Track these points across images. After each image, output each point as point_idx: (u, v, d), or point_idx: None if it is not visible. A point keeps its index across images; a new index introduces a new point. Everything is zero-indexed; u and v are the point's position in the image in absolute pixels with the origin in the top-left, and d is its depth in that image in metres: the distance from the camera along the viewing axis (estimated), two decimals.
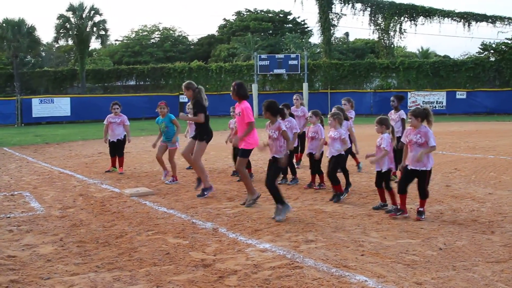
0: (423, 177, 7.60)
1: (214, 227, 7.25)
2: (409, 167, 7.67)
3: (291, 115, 11.16)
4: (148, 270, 5.53)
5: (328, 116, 9.42)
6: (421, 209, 7.64)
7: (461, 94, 37.16)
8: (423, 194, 7.62)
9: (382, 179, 8.16)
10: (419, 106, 7.97)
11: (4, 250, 6.33)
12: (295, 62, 38.44)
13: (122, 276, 5.36)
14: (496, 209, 8.15)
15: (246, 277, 5.27)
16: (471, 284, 4.99)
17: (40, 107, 33.81)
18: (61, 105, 34.64)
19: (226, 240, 6.62)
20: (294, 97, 12.73)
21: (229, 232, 7.02)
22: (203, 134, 9.66)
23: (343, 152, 9.20)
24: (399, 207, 7.78)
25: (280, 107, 8.35)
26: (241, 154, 8.76)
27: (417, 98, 37.33)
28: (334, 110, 9.69)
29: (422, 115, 7.63)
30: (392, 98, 11.39)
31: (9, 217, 8.08)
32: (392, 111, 11.28)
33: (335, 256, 5.89)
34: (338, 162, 9.20)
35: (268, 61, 38.68)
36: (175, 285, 5.08)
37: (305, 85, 37.81)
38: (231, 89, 9.14)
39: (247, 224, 7.43)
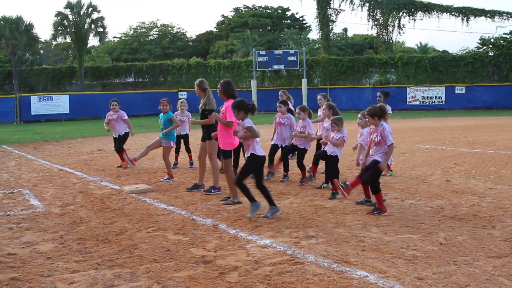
0: (377, 172, 7.61)
1: (214, 223, 7.24)
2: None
3: (290, 111, 11.10)
4: (148, 267, 5.51)
5: (330, 120, 9.37)
6: (376, 205, 7.64)
7: (460, 89, 37.14)
8: (373, 188, 7.62)
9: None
10: (374, 105, 7.93)
11: (4, 247, 6.31)
12: (293, 58, 38.39)
13: (122, 273, 5.35)
14: (497, 204, 8.14)
15: (247, 273, 5.26)
16: (473, 279, 4.98)
17: (39, 105, 33.75)
18: (60, 103, 34.60)
19: (227, 237, 6.60)
20: (280, 93, 12.58)
21: (230, 228, 7.01)
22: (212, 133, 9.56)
23: (337, 154, 9.11)
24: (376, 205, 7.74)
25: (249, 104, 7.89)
26: (223, 156, 8.72)
27: (416, 93, 37.34)
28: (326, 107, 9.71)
29: (378, 114, 7.63)
30: (378, 94, 11.38)
31: (9, 214, 8.06)
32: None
33: (336, 251, 5.89)
34: (332, 163, 9.15)
35: (267, 57, 38.63)
36: (176, 282, 5.07)
37: (304, 81, 37.78)
38: (218, 86, 9.06)
39: (247, 220, 7.41)
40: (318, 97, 11.47)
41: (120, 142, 12.83)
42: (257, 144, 7.65)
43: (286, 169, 10.70)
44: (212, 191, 9.43)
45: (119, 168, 12.69)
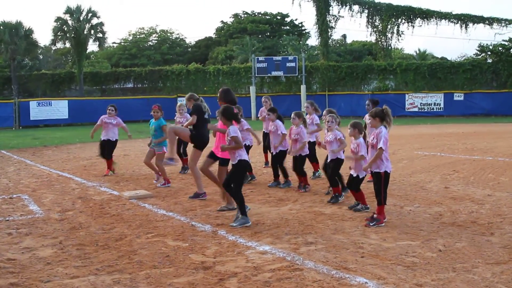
0: (377, 179, 7.43)
1: (214, 230, 7.24)
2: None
3: (279, 117, 11.08)
4: (148, 272, 5.52)
5: (324, 119, 9.30)
6: (375, 215, 7.41)
7: (458, 96, 37.24)
8: (378, 199, 7.41)
9: (357, 182, 8.17)
10: (378, 107, 7.77)
11: (4, 253, 6.32)
12: (292, 64, 38.47)
13: (122, 279, 5.35)
14: (495, 211, 8.15)
15: (246, 279, 5.27)
16: (471, 286, 4.99)
17: (38, 110, 33.82)
18: (59, 108, 34.68)
19: (226, 243, 6.61)
20: (263, 99, 12.60)
21: (229, 234, 7.01)
22: (194, 141, 9.52)
23: (340, 156, 9.05)
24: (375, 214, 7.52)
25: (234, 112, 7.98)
26: (220, 163, 8.77)
27: (414, 100, 37.41)
28: (326, 112, 9.61)
29: (379, 115, 7.44)
30: (367, 102, 11.25)
31: (8, 220, 8.07)
32: (367, 115, 11.27)
33: (335, 258, 5.89)
34: (336, 166, 9.08)
35: (266, 63, 38.71)
36: None
37: (303, 87, 37.85)
38: (218, 95, 9.12)
39: (246, 226, 7.42)
40: (305, 104, 11.47)
41: (110, 148, 12.73)
42: (243, 151, 7.68)
43: (285, 175, 10.70)
44: (200, 197, 9.51)
45: (118, 174, 12.67)
